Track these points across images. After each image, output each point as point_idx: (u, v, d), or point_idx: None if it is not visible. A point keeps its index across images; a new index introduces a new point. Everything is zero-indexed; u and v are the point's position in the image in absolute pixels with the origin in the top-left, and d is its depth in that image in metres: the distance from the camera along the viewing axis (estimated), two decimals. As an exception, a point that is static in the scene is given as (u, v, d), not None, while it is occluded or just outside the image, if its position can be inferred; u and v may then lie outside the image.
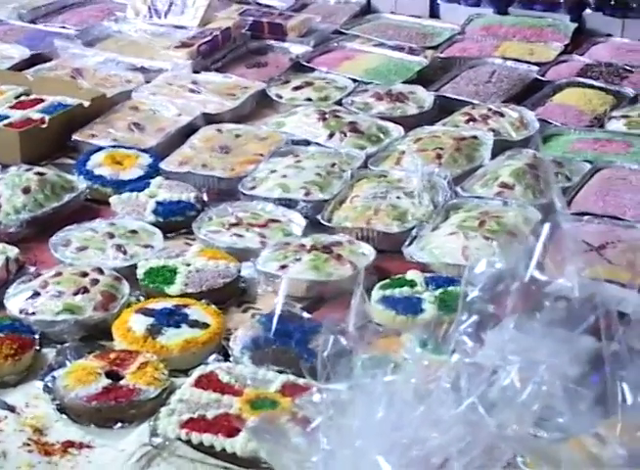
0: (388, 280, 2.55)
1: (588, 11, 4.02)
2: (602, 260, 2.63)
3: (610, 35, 3.95)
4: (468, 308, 1.71)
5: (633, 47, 3.86)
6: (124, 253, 2.68)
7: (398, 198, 2.89)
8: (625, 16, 3.93)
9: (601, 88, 3.55)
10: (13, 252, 2.65)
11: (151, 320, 2.36)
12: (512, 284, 1.72)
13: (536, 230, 1.96)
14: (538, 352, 1.66)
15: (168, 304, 2.43)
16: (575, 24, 3.97)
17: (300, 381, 2.09)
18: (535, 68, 3.72)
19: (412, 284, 2.52)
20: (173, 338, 2.30)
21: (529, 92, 3.56)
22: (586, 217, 2.83)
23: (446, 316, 1.85)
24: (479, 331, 1.68)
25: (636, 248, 2.65)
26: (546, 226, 1.75)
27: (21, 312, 2.44)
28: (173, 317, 2.37)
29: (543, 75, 3.67)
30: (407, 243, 2.72)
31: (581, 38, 3.95)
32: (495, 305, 1.71)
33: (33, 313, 2.43)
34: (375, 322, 2.38)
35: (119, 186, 2.99)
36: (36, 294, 2.48)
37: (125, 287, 2.52)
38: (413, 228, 2.78)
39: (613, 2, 3.95)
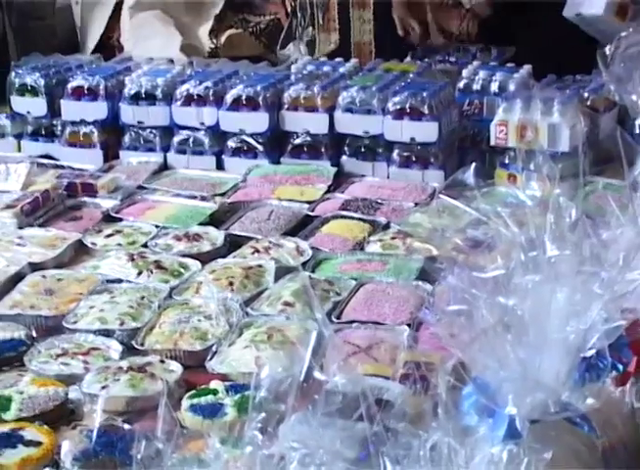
0: (194, 391, 2.56)
1: (345, 157, 4.08)
2: (370, 359, 2.67)
3: (363, 176, 4.02)
4: (257, 408, 1.72)
5: (382, 184, 3.93)
6: (-34, 387, 2.62)
7: (199, 321, 2.90)
8: (374, 159, 4.02)
9: (359, 219, 3.62)
10: None
11: (-10, 444, 2.32)
12: (292, 384, 1.74)
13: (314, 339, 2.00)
14: (319, 439, 1.68)
15: (5, 428, 2.38)
16: (335, 169, 4.03)
17: (125, 485, 2.07)
18: (306, 205, 3.76)
19: (215, 392, 2.52)
20: (11, 457, 2.25)
21: (302, 226, 3.61)
22: (355, 324, 2.87)
23: (244, 417, 1.85)
24: (267, 426, 1.70)
25: (395, 347, 2.71)
26: (313, 335, 1.79)
27: None
28: (10, 439, 2.32)
29: (312, 211, 3.73)
30: (209, 358, 2.74)
31: (341, 179, 4.00)
32: (280, 403, 1.73)
33: None
34: (187, 427, 2.41)
35: (-41, 331, 2.93)
36: None
37: (-33, 417, 2.46)
38: (213, 345, 2.79)
39: (363, 149, 4.04)
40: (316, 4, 5.05)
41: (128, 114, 4.25)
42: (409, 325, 2.83)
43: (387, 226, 3.56)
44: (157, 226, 3.61)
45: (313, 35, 5.08)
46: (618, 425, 1.89)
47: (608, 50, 2.84)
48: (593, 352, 1.71)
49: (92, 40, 5.66)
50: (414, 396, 2.10)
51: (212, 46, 5.55)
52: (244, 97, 4.10)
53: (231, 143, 4.16)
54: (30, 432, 2.38)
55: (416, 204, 3.72)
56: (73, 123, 4.28)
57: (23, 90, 4.36)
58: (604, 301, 1.71)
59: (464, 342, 1.68)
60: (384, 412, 1.71)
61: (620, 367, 1.78)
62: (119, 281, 3.20)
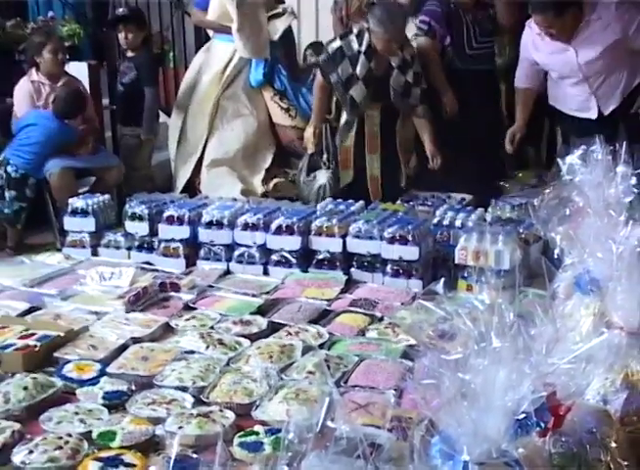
0: (242, 432, 2.54)
1: (353, 269, 4.09)
2: (367, 414, 2.64)
3: (366, 282, 4.01)
4: (287, 447, 1.71)
5: (379, 289, 3.92)
6: (85, 423, 2.61)
7: (248, 382, 2.89)
8: (374, 271, 4.02)
9: (362, 313, 3.59)
10: (16, 426, 2.57)
11: (101, 464, 2.34)
12: (311, 431, 1.73)
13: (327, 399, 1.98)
14: (332, 471, 1.67)
15: (112, 453, 2.40)
16: (346, 277, 4.03)
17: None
18: (325, 302, 3.75)
19: (257, 434, 2.51)
20: (114, 475, 2.24)
21: (322, 316, 3.59)
22: (357, 388, 2.85)
23: (278, 452, 1.83)
24: (293, 462, 1.68)
25: (385, 406, 2.68)
26: (326, 399, 1.77)
27: (22, 464, 2.36)
28: (115, 462, 2.34)
29: (329, 306, 3.71)
30: (254, 409, 2.72)
31: (351, 284, 3.99)
32: (302, 444, 1.71)
33: (29, 464, 2.35)
34: (237, 459, 2.39)
35: (82, 383, 2.92)
36: (31, 452, 2.40)
37: (85, 444, 2.47)
38: (257, 400, 2.77)
39: (366, 264, 4.04)
40: (334, 149, 5.10)
41: (204, 235, 4.29)
42: (395, 390, 2.80)
43: (381, 319, 3.54)
44: (221, 314, 3.61)
45: (331, 166, 5.10)
46: (540, 466, 1.86)
47: (536, 201, 2.86)
48: (524, 414, 1.70)
49: (180, 183, 5.74)
50: (397, 442, 2.08)
51: (263, 190, 5.60)
52: (284, 225, 4.13)
53: (274, 257, 4.18)
54: (128, 457, 2.39)
55: (402, 303, 3.70)
56: (166, 241, 4.33)
57: (134, 217, 4.42)
58: (532, 378, 1.70)
59: (433, 405, 1.66)
60: (376, 453, 1.69)
61: (543, 425, 1.76)
62: (193, 352, 3.20)
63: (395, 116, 5.00)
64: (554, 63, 4.50)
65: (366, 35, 4.77)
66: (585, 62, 4.36)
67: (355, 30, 4.87)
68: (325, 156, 5.09)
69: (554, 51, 4.41)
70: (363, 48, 4.79)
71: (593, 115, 4.52)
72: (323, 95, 5.04)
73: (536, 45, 4.49)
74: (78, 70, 5.66)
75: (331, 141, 5.08)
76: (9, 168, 4.80)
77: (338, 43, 4.88)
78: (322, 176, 5.08)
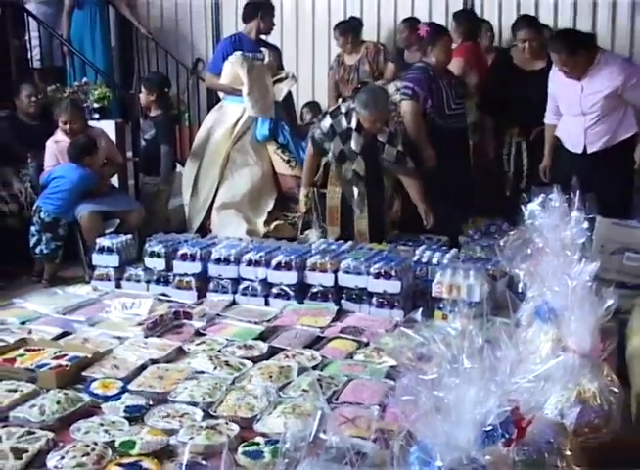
0: (245, 442, 2.53)
1: (343, 300, 4.08)
2: (354, 426, 2.63)
3: (354, 312, 4.01)
4: (284, 456, 1.70)
5: (365, 318, 3.91)
6: (109, 433, 2.59)
7: (250, 399, 2.88)
8: (361, 302, 4.01)
9: (351, 339, 3.58)
10: (50, 435, 2.57)
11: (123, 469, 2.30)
12: (305, 441, 1.72)
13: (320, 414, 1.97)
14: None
15: (132, 460, 2.39)
16: (337, 307, 4.02)
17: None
18: (318, 329, 3.73)
19: (258, 444, 2.50)
20: (133, 479, 2.22)
21: (316, 342, 3.58)
22: (345, 404, 2.83)
23: (276, 460, 1.82)
24: (289, 468, 1.68)
25: (370, 419, 2.67)
26: (318, 413, 1.77)
27: (54, 468, 2.38)
28: (134, 467, 2.34)
29: (322, 333, 3.70)
30: (256, 422, 2.71)
31: (341, 313, 3.99)
32: (297, 452, 1.71)
33: (61, 468, 2.36)
34: (240, 465, 2.38)
35: (106, 399, 2.91)
36: (62, 457, 2.40)
37: (109, 452, 2.46)
38: (258, 414, 2.76)
39: (354, 296, 4.04)
40: (323, 209, 5.10)
41: (213, 270, 4.29)
42: (379, 406, 2.80)
43: (367, 344, 3.53)
44: (227, 339, 3.60)
45: (322, 226, 5.11)
46: (505, 473, 1.86)
47: (502, 242, 2.89)
48: (491, 427, 1.70)
49: (195, 225, 5.76)
50: (380, 451, 2.08)
51: (265, 231, 5.61)
52: (283, 262, 4.14)
53: (274, 290, 4.18)
54: (146, 463, 2.39)
55: (386, 330, 3.69)
56: (180, 275, 4.33)
57: (152, 254, 4.42)
58: (497, 395, 1.70)
59: (412, 419, 1.67)
60: (361, 460, 1.69)
61: (507, 436, 1.76)
62: (203, 372, 3.19)
63: (379, 175, 4.98)
64: (564, 93, 4.61)
65: (354, 114, 4.74)
66: (587, 97, 4.45)
67: (344, 109, 4.83)
68: (314, 215, 5.11)
69: (566, 83, 4.52)
70: (354, 125, 4.76)
71: (579, 149, 4.61)
72: (313, 161, 5.07)
73: (556, 78, 4.62)
74: (107, 127, 5.72)
75: (319, 202, 5.09)
76: (41, 214, 4.88)
77: (329, 121, 4.85)
78: (313, 235, 5.08)
